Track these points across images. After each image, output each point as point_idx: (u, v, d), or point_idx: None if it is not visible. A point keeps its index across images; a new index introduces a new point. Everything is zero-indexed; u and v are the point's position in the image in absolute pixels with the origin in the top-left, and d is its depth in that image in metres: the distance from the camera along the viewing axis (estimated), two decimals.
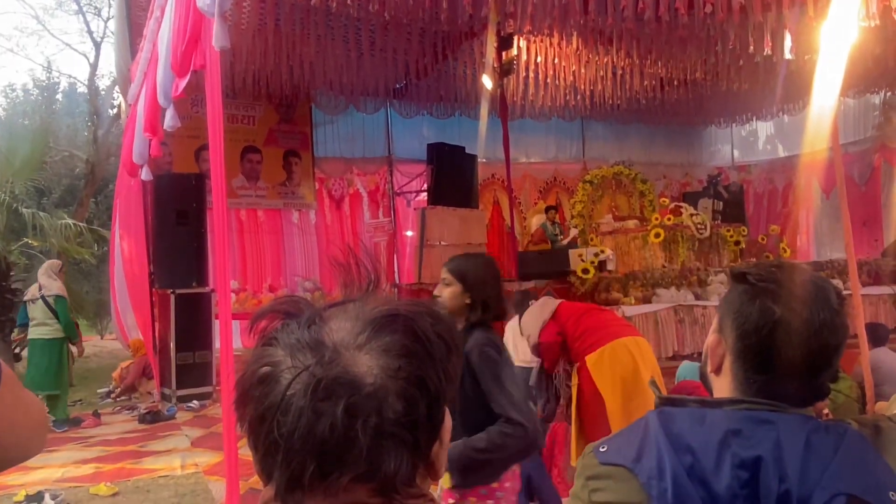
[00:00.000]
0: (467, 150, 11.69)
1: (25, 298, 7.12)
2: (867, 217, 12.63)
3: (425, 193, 11.84)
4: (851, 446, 0.92)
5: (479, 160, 11.98)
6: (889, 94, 11.65)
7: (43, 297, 6.83)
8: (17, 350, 9.33)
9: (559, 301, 3.92)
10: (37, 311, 6.86)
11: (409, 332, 0.65)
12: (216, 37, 3.13)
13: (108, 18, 18.52)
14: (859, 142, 12.98)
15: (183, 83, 4.49)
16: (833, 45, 4.23)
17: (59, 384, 6.90)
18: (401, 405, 0.62)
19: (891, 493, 0.88)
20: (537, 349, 3.77)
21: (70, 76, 30.29)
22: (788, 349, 0.98)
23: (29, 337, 7.03)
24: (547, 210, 11.04)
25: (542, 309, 3.81)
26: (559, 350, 3.69)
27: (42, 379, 6.72)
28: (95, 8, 19.62)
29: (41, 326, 6.84)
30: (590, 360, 3.47)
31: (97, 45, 19.39)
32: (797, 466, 0.90)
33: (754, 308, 1.01)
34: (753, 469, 0.90)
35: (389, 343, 0.64)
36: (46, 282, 6.96)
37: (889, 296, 9.81)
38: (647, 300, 8.28)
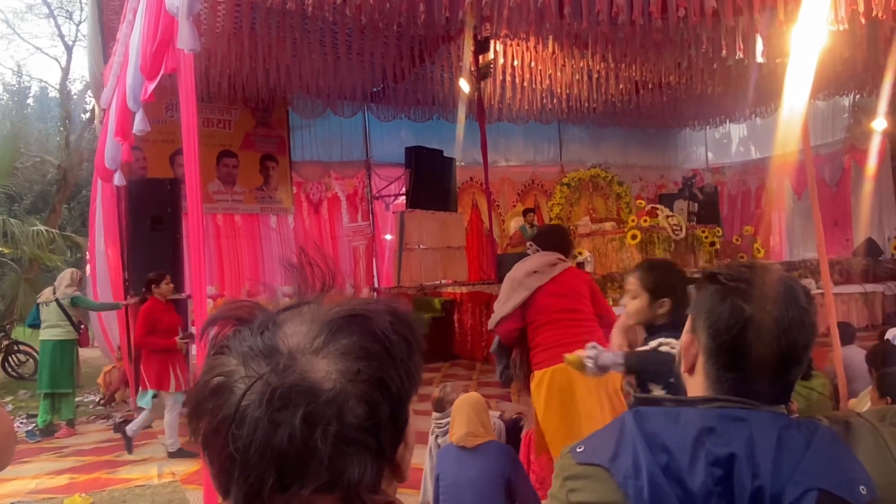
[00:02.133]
0: (445, 154, 11.71)
1: (39, 301, 7.30)
2: (838, 217, 12.85)
3: (404, 197, 11.83)
4: (822, 442, 0.94)
5: (457, 163, 12.00)
6: (858, 96, 11.87)
7: (57, 300, 7.05)
8: None
9: (537, 287, 3.49)
10: (50, 314, 7.06)
11: (368, 332, 0.63)
12: (183, 39, 3.08)
13: (80, 22, 18.26)
14: (830, 143, 13.21)
15: (152, 86, 4.42)
16: (803, 48, 4.31)
17: (71, 383, 7.10)
18: (362, 409, 0.59)
19: (861, 487, 0.89)
20: (494, 335, 3.67)
21: (41, 80, 29.74)
22: (759, 347, 0.99)
23: (41, 338, 7.23)
24: (525, 213, 11.07)
25: (514, 293, 3.51)
26: (515, 341, 3.61)
27: (56, 378, 6.95)
28: (67, 11, 19.32)
29: (54, 328, 7.02)
30: (534, 378, 3.45)
31: (69, 49, 19.09)
32: (769, 463, 0.91)
33: (725, 307, 1.03)
34: (727, 466, 0.91)
35: (347, 345, 0.61)
36: (63, 287, 7.19)
37: (860, 294, 10.00)
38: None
